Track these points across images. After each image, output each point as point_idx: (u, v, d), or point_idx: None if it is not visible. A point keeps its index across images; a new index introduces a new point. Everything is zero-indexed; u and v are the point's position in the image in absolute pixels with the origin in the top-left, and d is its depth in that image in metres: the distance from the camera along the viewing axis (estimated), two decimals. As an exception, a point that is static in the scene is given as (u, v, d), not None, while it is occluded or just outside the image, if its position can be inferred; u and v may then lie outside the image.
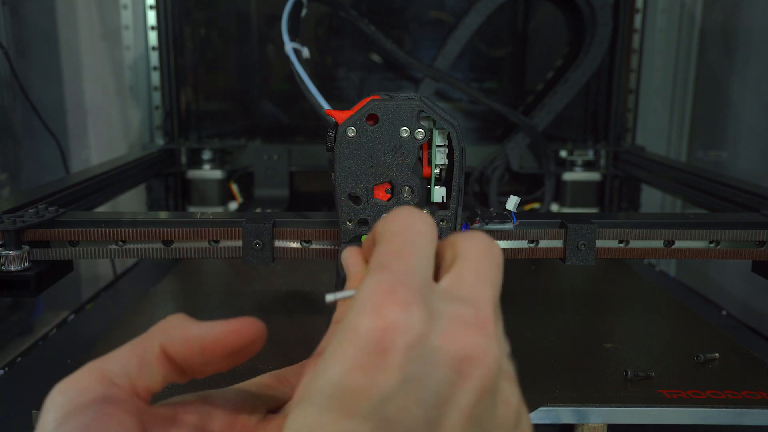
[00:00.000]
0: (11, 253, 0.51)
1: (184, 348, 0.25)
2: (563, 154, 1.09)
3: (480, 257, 0.24)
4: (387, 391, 0.20)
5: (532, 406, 0.44)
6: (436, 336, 0.21)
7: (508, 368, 0.24)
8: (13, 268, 0.52)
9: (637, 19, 1.08)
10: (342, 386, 0.20)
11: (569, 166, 1.09)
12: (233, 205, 1.08)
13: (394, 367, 0.20)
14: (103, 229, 0.53)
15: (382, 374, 0.20)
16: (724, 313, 0.80)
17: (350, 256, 0.29)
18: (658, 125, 1.23)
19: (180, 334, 0.25)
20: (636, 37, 1.09)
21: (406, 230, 0.24)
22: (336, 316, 0.29)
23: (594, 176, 1.08)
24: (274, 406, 0.29)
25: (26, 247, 0.52)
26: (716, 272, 1.11)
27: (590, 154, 1.08)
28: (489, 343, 0.21)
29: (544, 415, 0.44)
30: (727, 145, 1.10)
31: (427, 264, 0.23)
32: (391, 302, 0.21)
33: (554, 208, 1.09)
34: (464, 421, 0.20)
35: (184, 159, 1.09)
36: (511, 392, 0.23)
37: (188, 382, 0.26)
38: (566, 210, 1.07)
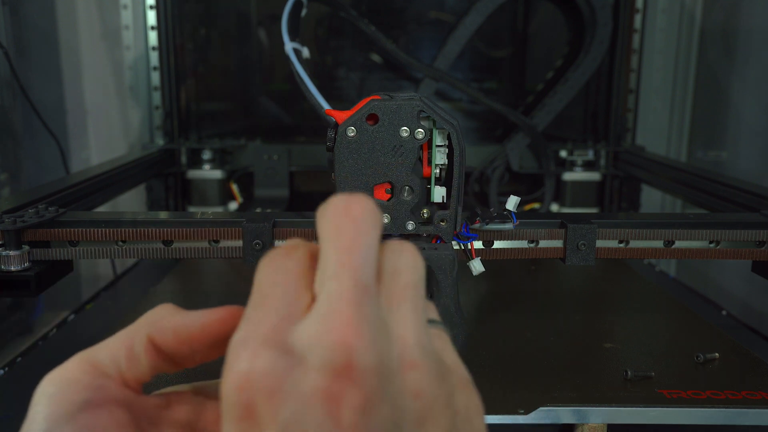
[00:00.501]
0: (11, 253, 0.51)
1: (171, 338, 0.24)
2: (563, 154, 1.09)
3: (335, 236, 0.21)
4: None
5: (532, 406, 0.44)
6: (298, 369, 0.19)
7: (406, 357, 0.21)
8: (13, 268, 0.52)
9: (637, 19, 1.08)
10: None
11: (569, 166, 1.09)
12: (233, 205, 1.08)
13: (264, 422, 0.18)
14: (103, 229, 0.53)
15: None
16: (724, 313, 0.80)
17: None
18: (658, 125, 1.23)
19: (167, 324, 0.24)
20: (636, 37, 1.09)
21: (265, 277, 0.22)
22: None
23: (594, 176, 1.08)
24: None
25: (26, 247, 0.52)
26: (716, 272, 1.11)
27: (590, 154, 1.08)
28: (351, 356, 0.19)
29: (544, 415, 0.44)
30: (727, 145, 1.10)
31: (286, 301, 0.21)
32: (240, 357, 0.19)
33: (554, 208, 1.09)
34: None
35: (184, 159, 1.09)
36: (418, 381, 0.20)
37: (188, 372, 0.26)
38: (566, 210, 1.07)
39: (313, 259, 0.23)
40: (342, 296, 0.20)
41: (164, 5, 1.05)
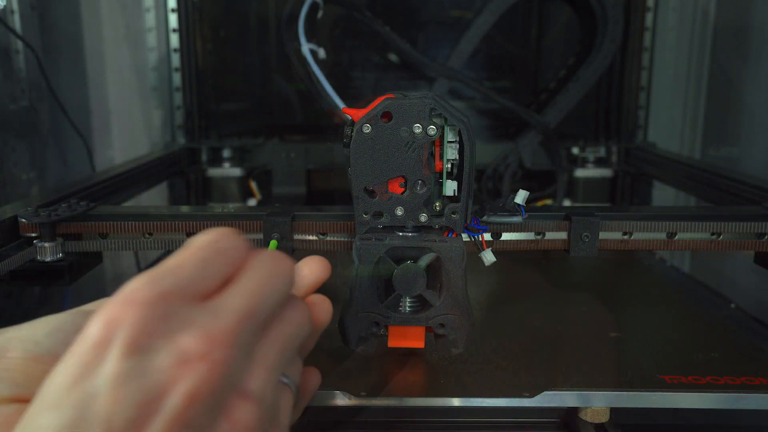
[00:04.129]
0: (46, 244, 0.55)
1: None
2: (575, 151, 1.10)
3: (255, 274, 0.25)
4: (94, 386, 0.20)
5: (537, 390, 0.46)
6: (168, 335, 0.21)
7: (254, 391, 0.23)
8: (47, 259, 0.55)
9: (649, 17, 1.09)
10: (57, 383, 0.21)
11: (581, 162, 1.10)
12: (252, 202, 1.11)
13: (107, 361, 0.20)
14: (131, 222, 0.56)
15: (93, 369, 0.20)
16: (732, 306, 0.81)
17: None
18: (670, 122, 1.24)
19: None
20: (647, 35, 1.10)
21: (196, 249, 0.25)
22: None
23: (606, 173, 1.10)
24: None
25: (60, 239, 0.56)
26: (729, 267, 1.11)
27: (602, 151, 1.10)
28: (212, 349, 0.21)
29: (549, 398, 0.46)
30: (741, 142, 1.11)
31: (197, 279, 0.24)
32: (123, 300, 0.21)
33: (566, 204, 1.10)
34: (172, 427, 0.20)
35: (204, 157, 1.12)
36: (242, 413, 0.22)
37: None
38: (578, 206, 1.09)
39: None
40: (235, 313, 0.23)
41: (185, 8, 1.08)
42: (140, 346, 0.21)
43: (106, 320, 0.21)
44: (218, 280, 0.25)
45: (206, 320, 0.22)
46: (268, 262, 0.26)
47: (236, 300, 0.24)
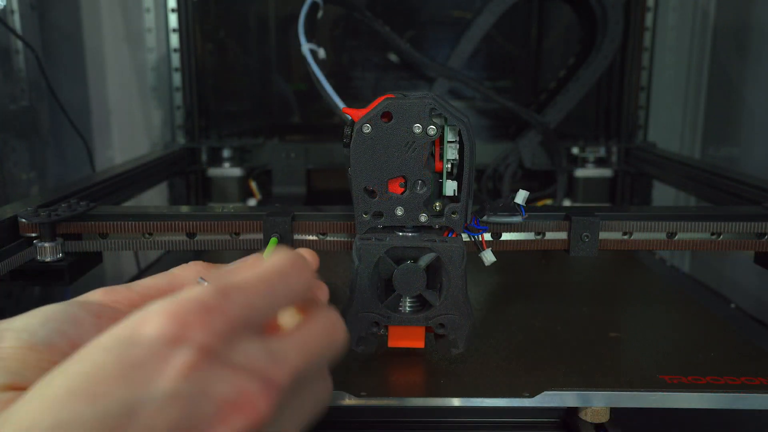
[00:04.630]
0: (46, 244, 0.55)
1: None
2: (575, 151, 1.10)
3: (317, 332, 0.25)
4: (146, 395, 0.20)
5: (537, 390, 0.46)
6: (226, 368, 0.21)
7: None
8: (47, 259, 0.55)
9: (649, 17, 1.09)
10: (100, 359, 0.21)
11: (581, 162, 1.10)
12: (252, 202, 1.11)
13: (166, 375, 0.20)
14: (132, 222, 0.56)
15: (149, 376, 0.20)
16: (732, 306, 0.81)
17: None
18: (671, 122, 1.24)
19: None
20: (647, 35, 1.10)
21: (277, 273, 0.25)
22: None
23: (606, 173, 1.10)
24: None
25: (60, 240, 0.56)
26: (729, 268, 1.11)
27: (602, 151, 1.10)
28: (264, 397, 0.21)
29: (549, 398, 0.46)
30: (742, 142, 1.11)
31: (264, 310, 0.24)
32: (196, 310, 0.21)
33: (566, 204, 1.10)
34: None
35: (204, 157, 1.12)
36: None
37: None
38: (578, 206, 1.09)
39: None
40: (291, 365, 0.24)
41: (185, 8, 1.08)
42: (199, 372, 0.21)
43: (175, 328, 0.21)
44: (280, 311, 0.25)
45: (266, 365, 0.22)
46: (329, 324, 0.27)
47: (296, 353, 0.24)
